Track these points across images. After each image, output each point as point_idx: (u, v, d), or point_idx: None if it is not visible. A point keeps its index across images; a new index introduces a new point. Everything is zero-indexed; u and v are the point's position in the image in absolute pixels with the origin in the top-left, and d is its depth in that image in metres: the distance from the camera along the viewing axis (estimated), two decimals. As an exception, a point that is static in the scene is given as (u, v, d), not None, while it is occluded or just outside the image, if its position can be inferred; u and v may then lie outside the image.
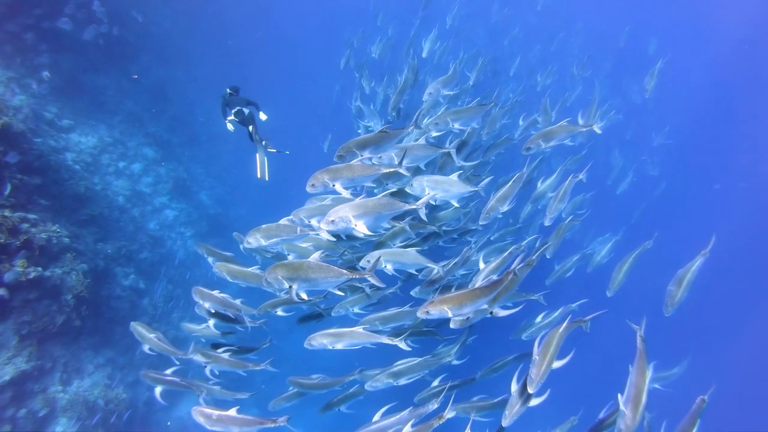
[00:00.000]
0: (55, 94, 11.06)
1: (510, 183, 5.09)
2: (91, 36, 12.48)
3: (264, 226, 4.65)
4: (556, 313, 5.92)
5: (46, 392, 7.68)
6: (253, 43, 21.63)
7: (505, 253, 4.74)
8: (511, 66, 13.26)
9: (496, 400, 4.91)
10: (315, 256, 3.82)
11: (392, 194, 4.90)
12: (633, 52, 19.07)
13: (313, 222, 4.48)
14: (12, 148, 8.06)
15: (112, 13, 12.99)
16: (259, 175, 7.46)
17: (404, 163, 4.45)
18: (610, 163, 15.13)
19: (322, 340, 4.31)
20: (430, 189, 4.72)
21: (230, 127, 7.46)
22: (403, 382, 4.86)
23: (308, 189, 4.11)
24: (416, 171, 5.23)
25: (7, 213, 7.26)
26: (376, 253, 4.55)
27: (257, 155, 7.50)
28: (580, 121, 6.03)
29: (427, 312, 3.41)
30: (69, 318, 7.87)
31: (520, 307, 3.75)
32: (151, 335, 5.09)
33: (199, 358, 5.00)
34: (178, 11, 16.31)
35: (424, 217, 4.39)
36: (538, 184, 6.50)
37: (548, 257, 6.02)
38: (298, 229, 4.46)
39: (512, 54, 15.27)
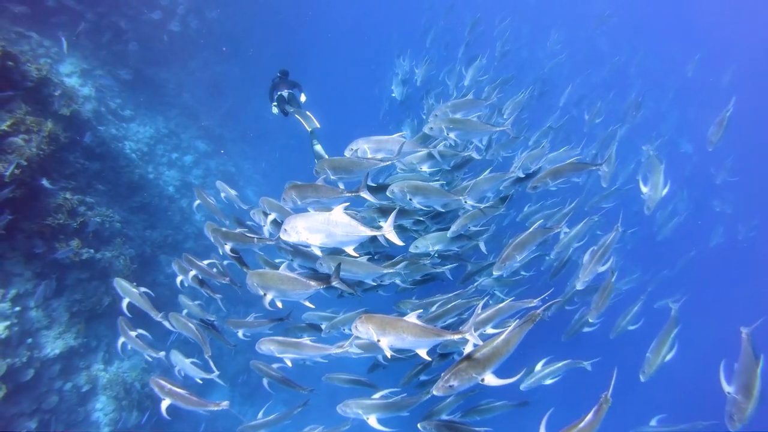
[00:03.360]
0: (121, 86, 11.68)
1: (530, 230, 4.57)
2: (178, 28, 13.23)
3: (224, 229, 4.75)
4: (560, 364, 5.29)
5: (90, 369, 8.01)
6: (308, 44, 22.09)
7: (504, 303, 4.19)
8: (563, 90, 12.21)
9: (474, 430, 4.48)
10: (282, 268, 3.85)
11: (379, 211, 4.81)
12: (703, 83, 17.30)
13: (270, 218, 4.68)
14: (80, 134, 8.55)
15: (189, 8, 13.68)
16: (308, 128, 7.35)
17: (367, 185, 4.09)
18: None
19: (269, 345, 4.16)
20: (410, 195, 4.47)
21: (275, 110, 7.78)
22: (375, 424, 4.37)
23: (281, 203, 4.15)
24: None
25: (68, 195, 7.64)
26: (329, 258, 4.28)
27: (297, 117, 7.53)
28: (644, 189, 5.37)
29: (356, 328, 3.06)
30: (114, 300, 8.17)
31: (518, 377, 3.10)
32: (135, 290, 5.21)
33: (172, 321, 5.13)
34: (239, 10, 16.83)
35: (398, 240, 3.88)
36: (561, 234, 5.78)
37: (591, 321, 5.21)
38: (255, 239, 4.56)
39: (568, 76, 14.51)
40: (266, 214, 4.88)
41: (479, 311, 3.96)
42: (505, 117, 7.09)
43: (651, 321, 6.50)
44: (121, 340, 5.33)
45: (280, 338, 4.26)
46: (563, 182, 5.13)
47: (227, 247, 4.73)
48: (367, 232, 3.59)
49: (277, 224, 4.84)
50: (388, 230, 3.63)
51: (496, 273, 4.60)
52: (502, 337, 2.87)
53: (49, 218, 7.24)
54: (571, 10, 21.31)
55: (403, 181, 4.56)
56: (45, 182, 7.11)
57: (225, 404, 4.06)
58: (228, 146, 15.26)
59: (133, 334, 5.23)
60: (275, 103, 7.71)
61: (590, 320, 5.21)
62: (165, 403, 4.22)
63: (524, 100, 7.10)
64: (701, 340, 13.64)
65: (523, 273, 6.11)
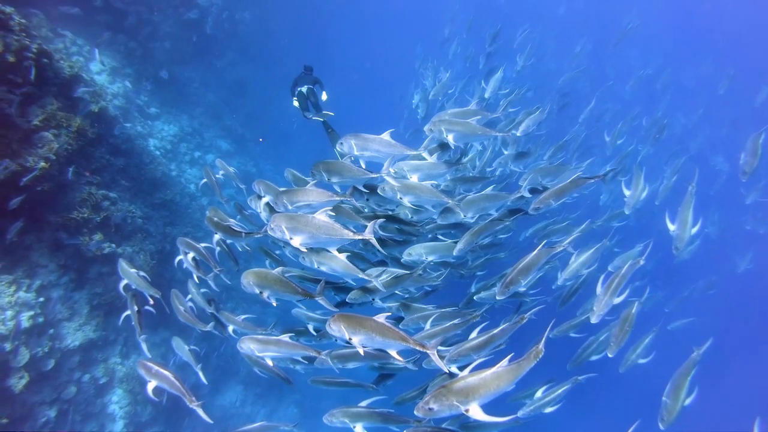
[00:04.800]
0: (148, 84, 11.92)
1: (535, 252, 4.32)
2: (210, 28, 13.51)
3: (215, 219, 4.94)
4: (561, 390, 5.01)
5: (107, 362, 8.13)
6: (332, 49, 22.23)
7: (497, 329, 3.96)
8: (585, 103, 11.60)
9: None
10: (278, 271, 3.99)
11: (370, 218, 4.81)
12: (735, 101, 16.23)
13: (264, 201, 4.79)
14: (106, 130, 8.74)
15: (223, 8, 13.93)
16: (321, 119, 7.85)
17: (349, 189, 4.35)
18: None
19: (250, 344, 4.15)
20: (400, 193, 4.49)
21: (296, 103, 7.99)
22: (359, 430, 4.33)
23: (274, 207, 4.27)
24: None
25: (93, 190, 7.80)
26: (311, 253, 4.25)
27: (314, 118, 7.89)
28: (671, 226, 5.04)
29: (329, 326, 3.21)
30: (133, 295, 8.30)
31: (508, 418, 2.91)
32: (133, 270, 5.36)
33: (172, 299, 5.36)
34: (268, 12, 17.03)
35: (378, 246, 3.99)
36: (572, 259, 5.51)
37: (610, 356, 4.86)
38: (243, 234, 4.79)
39: (592, 89, 14.07)
40: (261, 198, 4.97)
41: (472, 336, 3.86)
42: (517, 133, 6.78)
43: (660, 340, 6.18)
44: (126, 313, 5.51)
45: (260, 336, 4.24)
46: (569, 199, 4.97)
47: (216, 237, 4.91)
48: (349, 236, 3.72)
49: (271, 208, 4.92)
50: (369, 235, 3.75)
51: (499, 297, 4.40)
52: (493, 369, 2.74)
53: (74, 212, 7.40)
54: (600, 21, 20.82)
55: (395, 181, 4.56)
56: (70, 172, 7.24)
57: (197, 405, 4.12)
58: (249, 146, 15.42)
59: (135, 308, 5.35)
60: (295, 98, 7.91)
61: (609, 355, 4.85)
62: (151, 385, 4.28)
63: (540, 115, 6.65)
64: (723, 377, 13.02)
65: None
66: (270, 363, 4.35)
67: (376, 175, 4.41)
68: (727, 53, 21.82)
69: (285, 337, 4.19)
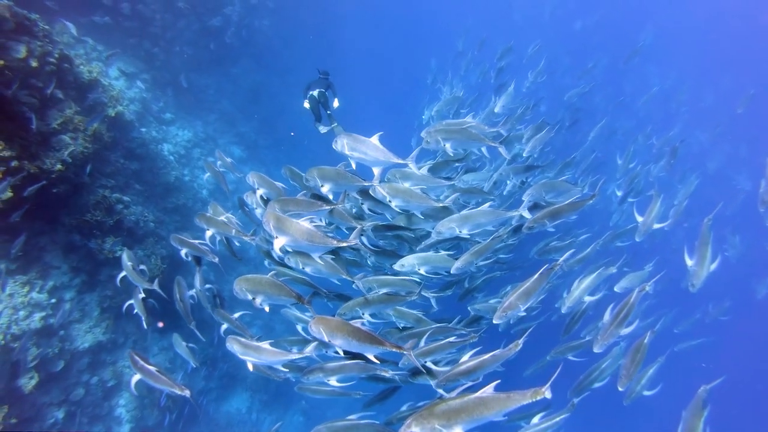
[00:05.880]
0: (164, 89, 12.09)
1: (536, 276, 4.15)
2: (231, 38, 13.73)
3: (208, 215, 5.05)
4: (560, 417, 4.78)
5: (116, 365, 8.13)
6: (347, 57, 22.36)
7: (488, 355, 3.77)
8: (599, 119, 11.39)
9: None
10: (270, 274, 4.12)
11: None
12: (753, 120, 15.76)
13: (259, 192, 5.03)
14: (122, 134, 8.85)
15: (243, 15, 14.15)
16: (329, 128, 8.11)
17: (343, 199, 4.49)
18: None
19: (234, 345, 4.17)
20: (390, 197, 4.54)
21: (306, 105, 8.08)
22: None
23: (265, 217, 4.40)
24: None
25: (107, 193, 7.88)
26: (296, 255, 4.25)
27: (324, 131, 8.11)
28: (689, 261, 4.81)
29: (311, 328, 3.39)
30: (144, 298, 8.32)
31: None
32: (130, 263, 5.44)
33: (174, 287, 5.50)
34: (282, 20, 17.23)
35: (368, 249, 4.14)
36: (575, 284, 5.38)
37: (621, 389, 4.63)
38: (234, 231, 4.90)
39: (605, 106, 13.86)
40: (255, 192, 5.11)
41: (463, 360, 3.78)
42: (523, 142, 6.62)
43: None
44: (129, 302, 5.61)
45: (243, 340, 4.22)
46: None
47: (209, 233, 5.02)
48: (332, 243, 3.86)
49: (264, 201, 5.07)
50: (353, 241, 3.94)
51: (496, 322, 4.24)
52: (478, 395, 2.62)
53: (87, 214, 7.47)
54: (617, 37, 20.60)
55: (384, 183, 4.60)
56: (86, 171, 7.31)
57: (186, 392, 4.19)
58: (262, 153, 15.52)
59: (140, 296, 5.49)
60: (306, 100, 8.01)
61: (619, 388, 4.60)
62: (135, 378, 4.36)
63: (547, 134, 6.49)
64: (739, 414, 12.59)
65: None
66: (250, 367, 4.39)
67: (368, 184, 4.46)
68: (746, 70, 21.43)
69: (265, 344, 4.16)
